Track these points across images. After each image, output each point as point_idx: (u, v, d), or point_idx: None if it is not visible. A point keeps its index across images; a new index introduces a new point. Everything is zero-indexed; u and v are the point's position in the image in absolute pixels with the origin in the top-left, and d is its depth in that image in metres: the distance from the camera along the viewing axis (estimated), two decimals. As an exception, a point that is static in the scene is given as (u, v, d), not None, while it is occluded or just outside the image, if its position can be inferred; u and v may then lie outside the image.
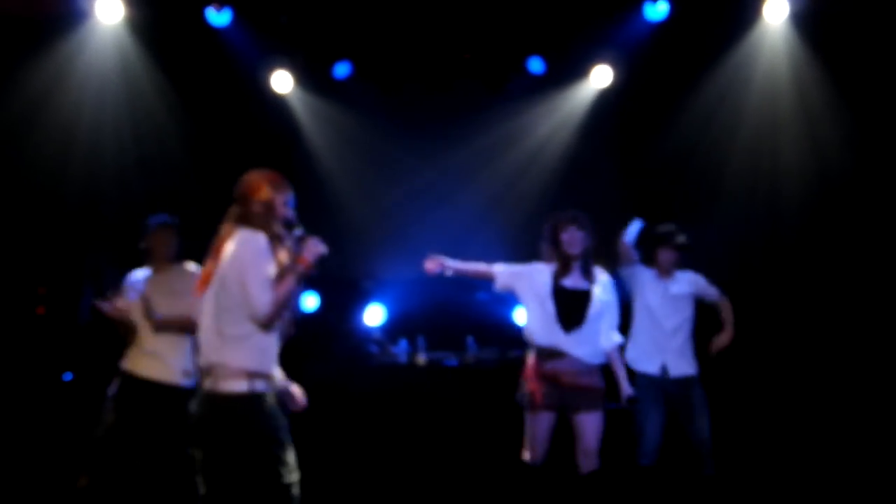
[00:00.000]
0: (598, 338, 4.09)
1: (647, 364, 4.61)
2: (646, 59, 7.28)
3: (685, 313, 4.68)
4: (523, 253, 5.11)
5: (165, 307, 4.28)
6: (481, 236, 7.65)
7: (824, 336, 6.22)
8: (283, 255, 2.98)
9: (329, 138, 8.08)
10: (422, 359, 6.52)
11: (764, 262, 6.63)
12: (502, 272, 4.32)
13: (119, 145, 6.89)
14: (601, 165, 8.12)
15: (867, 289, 6.20)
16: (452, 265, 4.45)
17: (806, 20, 6.50)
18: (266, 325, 2.85)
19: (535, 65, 7.59)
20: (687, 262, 4.82)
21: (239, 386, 2.81)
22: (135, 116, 6.97)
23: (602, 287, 4.15)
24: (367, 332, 6.81)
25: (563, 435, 4.17)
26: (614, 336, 4.19)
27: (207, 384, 2.87)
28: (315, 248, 2.98)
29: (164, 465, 4.21)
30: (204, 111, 7.31)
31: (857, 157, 6.29)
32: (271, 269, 2.88)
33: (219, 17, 6.78)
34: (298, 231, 3.05)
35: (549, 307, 4.04)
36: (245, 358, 2.84)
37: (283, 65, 7.55)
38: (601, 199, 8.05)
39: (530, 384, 4.04)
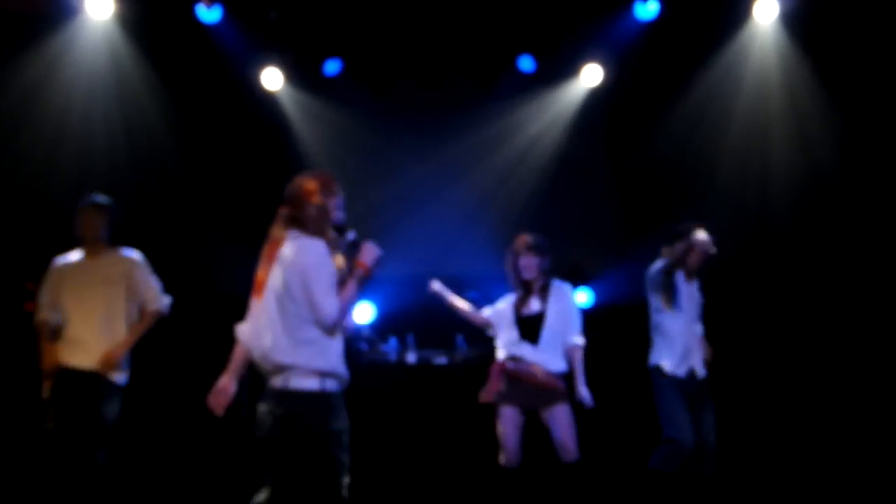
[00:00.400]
0: (557, 349, 4.46)
1: (680, 367, 4.56)
2: (636, 58, 7.30)
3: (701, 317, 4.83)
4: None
5: (97, 294, 4.25)
6: (472, 234, 7.67)
7: (815, 333, 6.25)
8: (340, 260, 3.03)
9: (319, 135, 8.07)
10: (411, 357, 6.52)
11: (754, 261, 6.65)
12: (489, 315, 4.73)
13: (109, 142, 6.86)
14: (592, 164, 8.14)
15: (857, 286, 6.23)
16: (451, 299, 4.83)
17: (795, 20, 6.53)
18: (332, 330, 2.91)
19: (526, 63, 7.61)
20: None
21: (311, 384, 2.87)
22: (125, 113, 6.93)
23: (557, 303, 4.52)
24: (356, 330, 6.81)
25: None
26: (576, 339, 4.51)
27: (278, 382, 2.89)
28: (372, 251, 3.01)
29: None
30: (194, 108, 7.29)
31: (846, 155, 6.31)
32: (334, 275, 2.93)
33: (209, 14, 6.77)
34: (351, 234, 3.07)
35: (514, 333, 4.49)
36: (317, 359, 2.88)
37: (273, 61, 7.54)
38: (592, 198, 8.09)
39: (494, 382, 4.42)
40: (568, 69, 7.78)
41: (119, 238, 4.48)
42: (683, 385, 4.52)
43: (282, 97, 7.92)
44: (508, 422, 4.39)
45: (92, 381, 4.20)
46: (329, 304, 2.85)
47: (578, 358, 4.48)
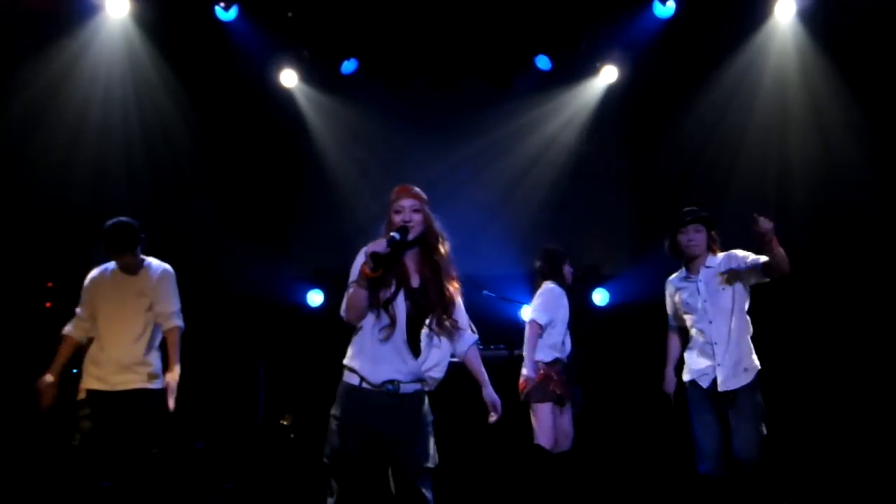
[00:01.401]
0: None
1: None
2: (654, 56, 7.25)
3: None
4: (530, 250, 5.13)
5: (132, 309, 4.29)
6: (487, 234, 7.64)
7: (833, 330, 6.18)
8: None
9: (335, 133, 8.08)
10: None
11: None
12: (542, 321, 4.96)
13: (126, 139, 6.91)
14: (608, 164, 8.10)
15: (875, 282, 6.16)
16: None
17: (813, 17, 6.46)
18: (349, 323, 3.12)
19: (543, 62, 7.58)
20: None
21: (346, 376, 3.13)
22: (143, 111, 6.99)
23: None
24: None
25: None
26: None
27: None
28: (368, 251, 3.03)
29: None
30: (210, 105, 7.32)
31: (866, 151, 6.24)
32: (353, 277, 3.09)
33: (226, 13, 6.79)
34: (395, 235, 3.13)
35: (566, 325, 4.99)
36: (349, 353, 3.15)
37: (289, 60, 7.57)
38: (608, 198, 8.05)
39: (552, 383, 4.82)
40: (585, 68, 7.75)
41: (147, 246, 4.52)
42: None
43: (297, 95, 7.94)
44: (551, 413, 4.83)
45: (137, 399, 4.23)
46: (343, 302, 3.11)
47: None
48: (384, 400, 3.06)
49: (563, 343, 4.95)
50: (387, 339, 3.05)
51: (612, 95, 7.87)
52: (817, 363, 6.15)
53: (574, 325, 5.18)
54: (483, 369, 3.42)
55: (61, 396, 4.31)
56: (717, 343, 4.07)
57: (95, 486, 4.20)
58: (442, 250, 3.29)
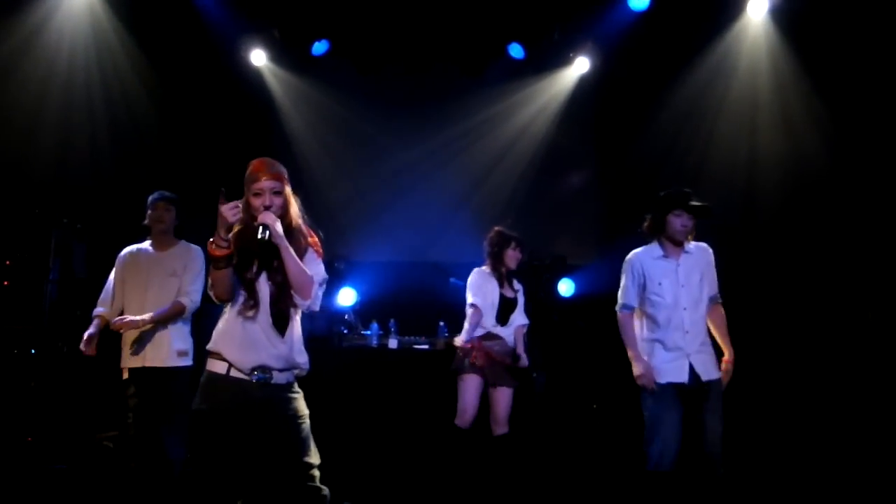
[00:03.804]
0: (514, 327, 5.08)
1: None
2: (627, 48, 7.27)
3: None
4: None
5: (165, 287, 4.34)
6: (456, 222, 7.64)
7: (800, 324, 6.27)
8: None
9: (304, 115, 8.00)
10: (393, 342, 6.48)
11: (741, 251, 6.67)
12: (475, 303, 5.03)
13: (90, 116, 6.75)
14: (579, 154, 8.12)
15: (841, 276, 6.26)
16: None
17: (785, 15, 6.54)
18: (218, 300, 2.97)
19: (516, 50, 7.56)
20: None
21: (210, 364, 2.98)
22: (107, 87, 6.82)
23: (520, 292, 5.16)
24: (338, 314, 6.76)
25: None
26: (523, 318, 5.13)
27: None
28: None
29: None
30: (177, 81, 7.20)
31: (831, 147, 6.33)
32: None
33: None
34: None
35: (493, 310, 4.99)
36: (214, 339, 3.00)
37: (258, 39, 7.46)
38: (577, 188, 8.08)
39: (474, 354, 4.88)
40: (558, 58, 7.75)
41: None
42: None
43: (266, 75, 7.84)
44: (472, 392, 4.89)
45: (163, 376, 4.30)
46: None
47: (522, 334, 5.13)
48: (259, 391, 2.89)
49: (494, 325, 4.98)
50: (252, 319, 2.89)
51: (584, 86, 7.88)
52: (784, 354, 6.23)
53: (538, 314, 5.22)
54: None
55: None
56: (689, 332, 3.91)
57: (156, 459, 4.23)
58: (301, 236, 3.03)
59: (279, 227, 2.87)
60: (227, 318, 2.94)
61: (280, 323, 2.95)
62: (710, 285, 4.07)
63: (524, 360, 5.06)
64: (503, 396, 4.89)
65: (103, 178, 6.65)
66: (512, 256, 5.00)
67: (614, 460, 5.78)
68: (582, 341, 7.07)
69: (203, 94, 7.42)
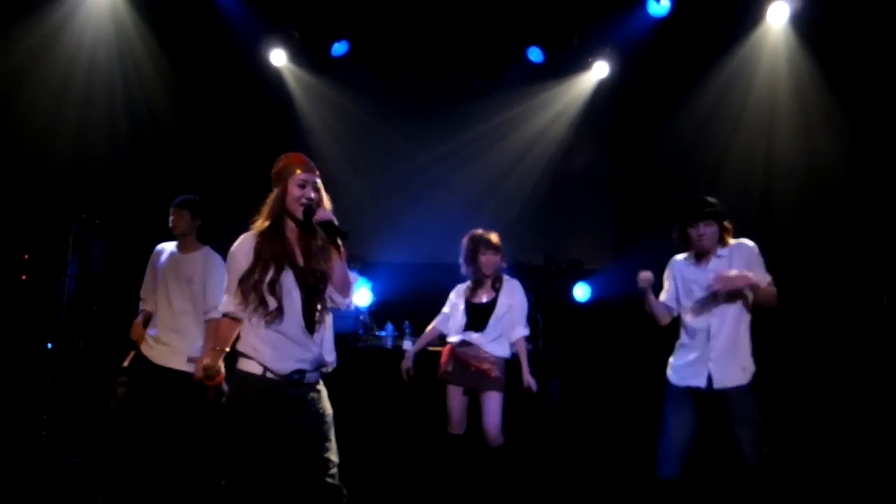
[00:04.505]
0: (501, 337, 4.74)
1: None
2: (646, 54, 7.25)
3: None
4: (513, 241, 5.09)
5: (184, 292, 4.35)
6: (471, 224, 7.60)
7: (817, 326, 6.22)
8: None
9: (322, 115, 8.03)
10: (407, 343, 6.48)
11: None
12: (441, 320, 5.05)
13: (110, 113, 6.80)
14: (597, 158, 8.10)
15: (857, 284, 6.21)
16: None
17: (805, 22, 6.50)
18: None
19: (535, 54, 7.56)
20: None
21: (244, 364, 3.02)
22: (127, 84, 6.88)
23: (508, 297, 4.78)
24: (353, 314, 6.76)
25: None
26: (521, 330, 4.75)
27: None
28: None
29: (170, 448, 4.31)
30: (196, 80, 7.24)
31: (851, 157, 6.28)
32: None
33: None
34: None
35: (464, 320, 4.81)
36: (246, 340, 3.04)
37: (278, 39, 7.49)
38: (594, 193, 8.06)
39: (443, 363, 4.80)
40: (577, 62, 7.74)
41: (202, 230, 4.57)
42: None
43: (286, 75, 7.87)
44: (453, 398, 4.76)
45: (181, 380, 4.30)
46: None
47: (523, 347, 4.74)
48: (290, 391, 2.92)
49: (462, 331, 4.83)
50: (285, 323, 2.90)
51: (603, 92, 7.87)
52: (803, 361, 6.19)
53: (553, 318, 5.14)
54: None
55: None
56: (714, 336, 3.93)
57: (126, 450, 4.24)
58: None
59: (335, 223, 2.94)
60: (261, 323, 2.91)
61: (312, 324, 2.97)
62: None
63: (529, 382, 4.63)
64: (487, 403, 4.62)
65: (122, 175, 6.70)
66: (485, 261, 4.74)
67: (623, 467, 5.77)
68: (596, 346, 7.05)
69: (222, 93, 7.47)
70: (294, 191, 2.98)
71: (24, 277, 6.35)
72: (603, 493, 5.29)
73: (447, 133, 7.95)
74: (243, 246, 2.94)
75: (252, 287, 2.88)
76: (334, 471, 2.96)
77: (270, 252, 2.91)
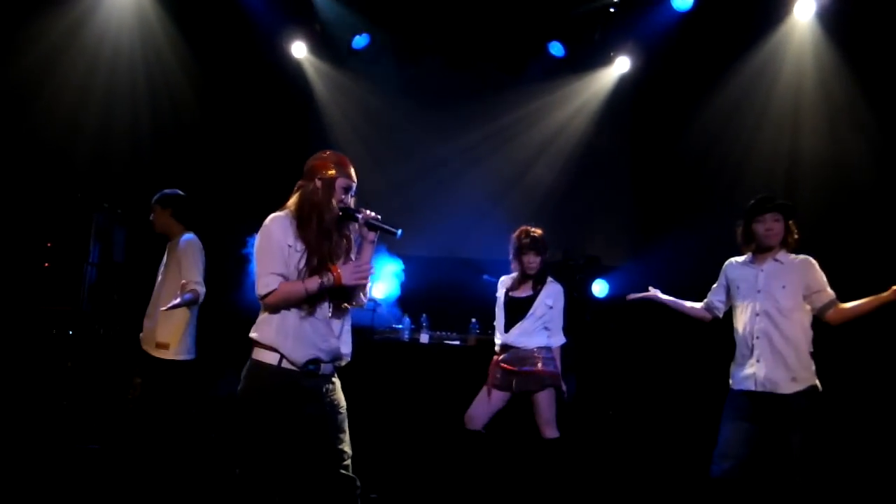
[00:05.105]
0: (539, 329, 4.79)
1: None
2: (669, 49, 7.18)
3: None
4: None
5: (169, 279, 4.45)
6: (491, 219, 7.62)
7: (840, 333, 6.14)
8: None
9: (343, 108, 8.04)
10: (424, 337, 6.50)
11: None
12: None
13: (133, 104, 6.86)
14: (616, 154, 8.04)
15: (882, 285, 6.11)
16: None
17: (832, 18, 6.40)
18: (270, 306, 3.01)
19: (556, 48, 7.52)
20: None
21: (260, 354, 3.03)
22: (150, 75, 6.94)
23: (548, 298, 4.82)
24: (370, 306, 6.78)
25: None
26: (556, 340, 4.83)
27: None
28: (351, 274, 3.00)
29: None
30: (219, 72, 7.28)
31: (877, 156, 6.17)
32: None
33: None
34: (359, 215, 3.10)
35: (504, 315, 4.89)
36: (266, 331, 3.03)
37: (300, 31, 7.51)
38: (613, 189, 8.01)
39: (490, 376, 4.84)
40: (598, 57, 7.69)
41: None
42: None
43: (307, 67, 7.89)
44: (494, 399, 4.79)
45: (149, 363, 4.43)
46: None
47: (559, 356, 4.83)
48: (306, 381, 2.93)
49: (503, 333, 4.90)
50: (311, 316, 2.93)
51: (625, 87, 7.81)
52: (827, 363, 6.11)
53: (570, 314, 5.12)
54: None
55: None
56: (758, 338, 3.85)
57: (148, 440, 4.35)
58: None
59: None
60: (283, 313, 2.93)
61: (337, 317, 3.02)
62: (795, 295, 3.88)
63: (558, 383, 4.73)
64: (540, 399, 4.69)
65: (144, 165, 6.75)
66: (527, 262, 4.78)
67: (640, 463, 5.75)
68: (613, 343, 7.02)
69: (243, 85, 7.50)
70: (340, 193, 3.02)
71: (46, 265, 6.44)
72: (616, 489, 5.28)
73: (467, 127, 7.93)
74: (282, 224, 2.94)
75: (293, 271, 2.91)
76: (348, 462, 2.98)
77: (310, 240, 2.94)
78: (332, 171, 3.02)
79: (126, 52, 6.77)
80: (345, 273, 2.92)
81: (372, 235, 3.04)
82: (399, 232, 3.03)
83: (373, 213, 3.03)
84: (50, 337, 6.13)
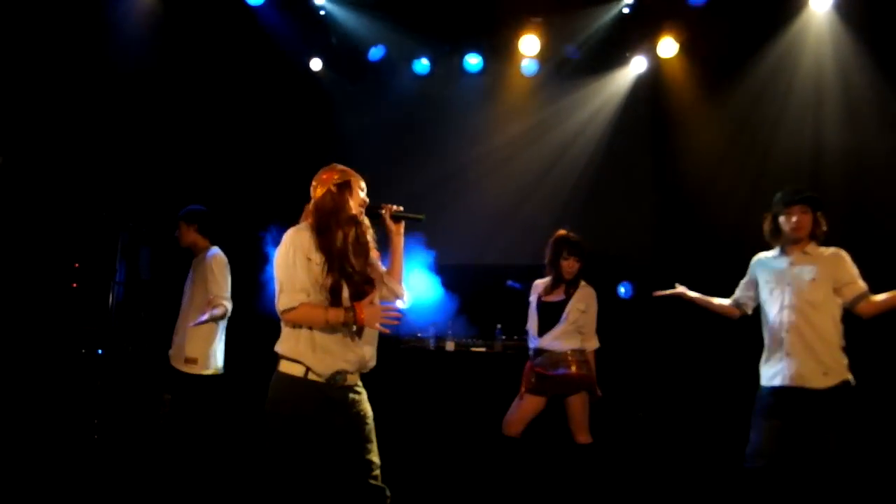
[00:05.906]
0: (572, 332, 4.79)
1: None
2: (686, 44, 7.13)
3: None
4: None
5: (194, 295, 4.57)
6: (513, 224, 7.61)
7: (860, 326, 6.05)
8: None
9: (360, 119, 8.06)
10: (449, 345, 6.50)
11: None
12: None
13: (156, 125, 6.94)
14: (636, 155, 7.98)
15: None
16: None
17: (850, 8, 6.32)
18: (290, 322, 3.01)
19: (570, 50, 7.48)
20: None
21: (286, 366, 3.05)
22: (172, 93, 7.00)
23: (580, 302, 4.83)
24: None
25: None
26: (590, 344, 4.85)
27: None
28: (374, 314, 3.02)
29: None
30: (239, 88, 7.35)
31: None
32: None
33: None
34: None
35: (536, 319, 4.89)
36: (290, 345, 3.05)
37: (316, 46, 7.57)
38: (635, 190, 7.94)
39: (525, 381, 4.85)
40: (616, 57, 7.64)
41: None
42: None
43: (323, 79, 7.95)
44: (529, 403, 4.79)
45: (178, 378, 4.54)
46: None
47: (593, 360, 4.86)
48: (333, 393, 2.94)
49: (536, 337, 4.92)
50: (336, 329, 2.93)
51: (643, 85, 7.75)
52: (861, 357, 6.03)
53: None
54: None
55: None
56: (788, 332, 3.80)
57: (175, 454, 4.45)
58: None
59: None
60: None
61: (360, 328, 3.01)
62: (825, 288, 3.82)
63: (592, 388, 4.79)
64: (573, 404, 4.73)
65: (168, 184, 6.81)
66: (566, 266, 4.80)
67: (662, 460, 5.71)
68: (635, 342, 6.95)
69: (264, 100, 7.57)
70: (358, 196, 3.09)
71: (74, 285, 6.52)
72: (648, 494, 5.23)
73: (484, 134, 7.94)
74: (301, 238, 2.94)
75: (315, 284, 2.90)
76: (377, 472, 2.99)
77: (330, 250, 2.93)
78: (341, 177, 3.06)
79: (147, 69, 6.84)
80: (368, 316, 2.90)
81: (399, 227, 3.10)
82: (423, 217, 3.15)
83: (394, 206, 3.14)
84: (79, 356, 6.20)
